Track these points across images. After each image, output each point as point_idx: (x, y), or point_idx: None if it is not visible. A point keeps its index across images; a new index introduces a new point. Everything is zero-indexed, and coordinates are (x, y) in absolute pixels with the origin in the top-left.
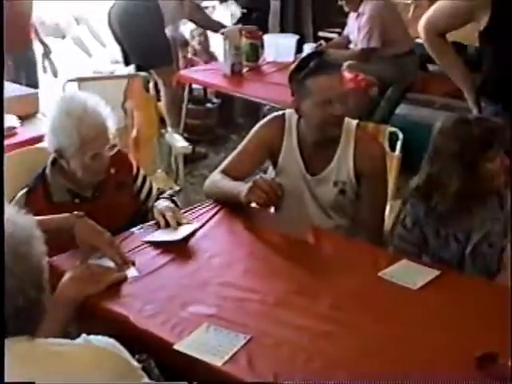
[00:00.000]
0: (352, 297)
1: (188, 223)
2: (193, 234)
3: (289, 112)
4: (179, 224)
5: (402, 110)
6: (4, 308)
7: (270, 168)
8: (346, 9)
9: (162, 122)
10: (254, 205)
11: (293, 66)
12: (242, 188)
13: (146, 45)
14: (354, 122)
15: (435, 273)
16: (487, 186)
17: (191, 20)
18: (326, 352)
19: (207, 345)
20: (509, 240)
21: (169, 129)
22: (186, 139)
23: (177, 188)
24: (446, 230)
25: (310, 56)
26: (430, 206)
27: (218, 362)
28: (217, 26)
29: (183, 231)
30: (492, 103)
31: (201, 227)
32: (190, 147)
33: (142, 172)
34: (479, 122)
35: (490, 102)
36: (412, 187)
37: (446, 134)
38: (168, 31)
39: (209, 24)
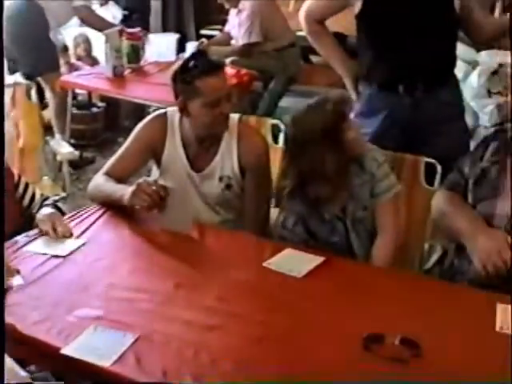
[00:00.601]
0: (237, 288)
1: (71, 234)
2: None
3: (170, 110)
4: (65, 236)
5: (285, 102)
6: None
7: (154, 167)
8: (227, 6)
9: (50, 129)
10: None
11: (176, 67)
12: (125, 191)
13: (31, 52)
14: (236, 116)
15: (320, 259)
16: (350, 155)
17: (85, 23)
18: (212, 344)
19: (94, 347)
20: None
21: (57, 136)
22: (74, 145)
23: (63, 194)
24: (329, 215)
25: (193, 56)
26: (309, 198)
27: (106, 362)
28: (110, 28)
29: (68, 246)
30: (367, 87)
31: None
32: (76, 153)
33: (23, 179)
34: (326, 99)
35: (366, 86)
36: (286, 188)
37: (300, 122)
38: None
39: (103, 26)
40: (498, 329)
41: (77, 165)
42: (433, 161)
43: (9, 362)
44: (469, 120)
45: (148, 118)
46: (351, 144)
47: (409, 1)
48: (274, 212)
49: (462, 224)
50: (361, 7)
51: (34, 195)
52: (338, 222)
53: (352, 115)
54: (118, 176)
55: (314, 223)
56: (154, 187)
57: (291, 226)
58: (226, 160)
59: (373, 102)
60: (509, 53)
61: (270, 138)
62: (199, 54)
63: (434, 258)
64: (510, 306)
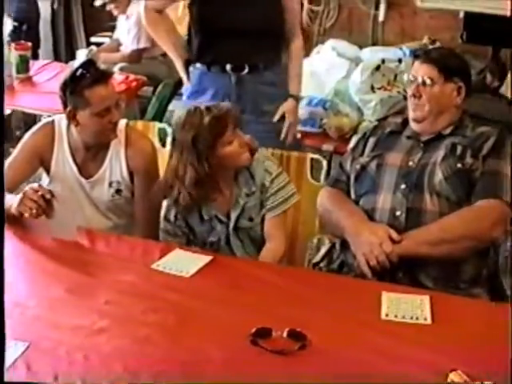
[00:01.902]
0: (126, 291)
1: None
2: None
3: (58, 118)
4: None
5: (174, 106)
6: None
7: (44, 175)
8: (115, 12)
9: None
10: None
11: (65, 76)
12: (12, 201)
13: None
14: (123, 121)
15: (208, 258)
16: (231, 165)
17: None
18: (101, 347)
19: None
20: None
21: None
22: None
23: None
24: (208, 215)
25: (81, 65)
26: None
27: None
28: None
29: None
30: (198, 68)
31: None
32: None
33: None
34: (209, 110)
35: (196, 68)
36: (160, 184)
37: (180, 124)
38: None
39: None
40: (383, 316)
41: None
42: (318, 157)
43: None
44: (354, 115)
45: (35, 126)
46: (231, 156)
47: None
48: None
49: (344, 220)
50: None
51: None
52: (219, 224)
53: (184, 97)
54: (8, 186)
55: (192, 220)
56: (39, 192)
57: (173, 218)
58: (115, 165)
59: (203, 81)
60: (391, 48)
61: (157, 142)
62: (87, 63)
63: (322, 251)
64: (394, 294)
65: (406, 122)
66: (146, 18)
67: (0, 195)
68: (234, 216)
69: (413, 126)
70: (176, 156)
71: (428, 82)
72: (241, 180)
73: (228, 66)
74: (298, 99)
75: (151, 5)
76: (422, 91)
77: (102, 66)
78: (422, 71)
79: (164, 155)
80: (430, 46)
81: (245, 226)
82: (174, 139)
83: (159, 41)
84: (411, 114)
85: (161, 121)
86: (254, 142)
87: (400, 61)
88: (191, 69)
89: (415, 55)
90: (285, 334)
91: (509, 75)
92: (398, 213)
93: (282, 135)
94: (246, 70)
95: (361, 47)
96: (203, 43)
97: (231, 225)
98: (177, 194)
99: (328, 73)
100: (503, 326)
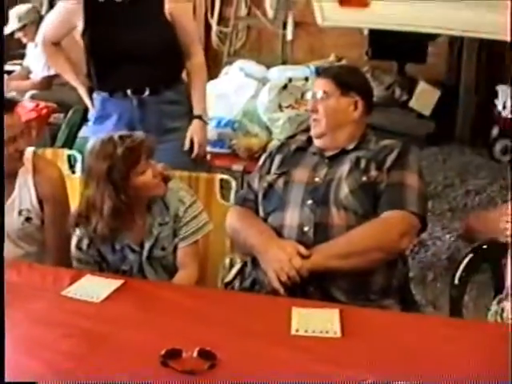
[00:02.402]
0: (38, 319)
1: None
2: None
3: None
4: None
5: (83, 132)
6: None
7: None
8: (24, 40)
9: None
10: None
11: None
12: None
13: None
14: (30, 149)
15: (118, 282)
16: (145, 195)
17: None
18: None
19: None
20: None
21: None
22: None
23: None
24: (120, 244)
25: None
26: (91, 227)
27: None
28: None
29: None
30: (99, 95)
31: None
32: None
33: None
34: (122, 140)
35: (98, 94)
36: (74, 214)
37: (94, 154)
38: None
39: None
40: (293, 332)
41: None
42: (228, 177)
43: None
44: (263, 134)
45: None
46: (145, 186)
47: (124, 20)
48: None
49: (253, 238)
50: (83, 27)
51: None
52: (131, 253)
53: (90, 123)
54: None
55: (104, 249)
56: None
57: (85, 247)
58: (24, 194)
59: (106, 106)
60: (298, 67)
61: (66, 169)
62: None
63: (234, 270)
64: (304, 310)
65: (311, 139)
66: (44, 51)
67: (0, 195)
68: (147, 246)
69: (315, 142)
70: (92, 186)
71: (323, 95)
72: (155, 210)
73: (129, 91)
74: (203, 119)
75: (48, 38)
76: (318, 105)
77: (13, 94)
78: (319, 86)
79: (73, 182)
80: (336, 64)
81: (158, 255)
82: (89, 169)
83: (61, 72)
84: (312, 131)
85: (71, 147)
86: (167, 171)
87: (307, 79)
88: (94, 95)
89: (317, 72)
90: (195, 354)
91: (417, 88)
92: (306, 228)
93: (193, 156)
94: (147, 93)
95: (268, 67)
96: (101, 70)
97: (144, 254)
98: (94, 225)
99: (236, 93)
100: (414, 336)
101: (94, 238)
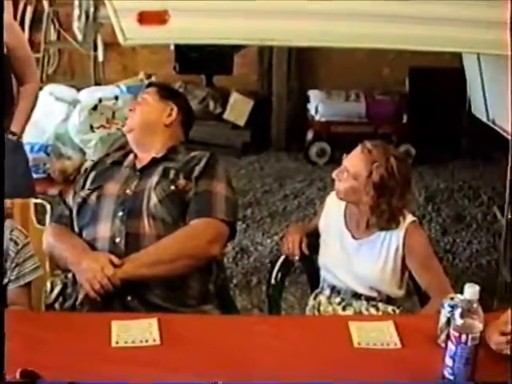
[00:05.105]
0: None
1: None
2: None
3: None
4: None
5: None
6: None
7: None
8: None
9: None
10: None
11: None
12: None
13: None
14: None
15: None
16: None
17: None
18: None
19: None
20: None
21: None
22: None
23: None
24: None
25: None
26: None
27: None
28: None
29: None
30: None
31: None
32: None
33: None
34: None
35: None
36: None
37: None
38: None
39: None
40: (114, 344)
41: None
42: (42, 201)
43: None
44: (76, 156)
45: None
46: None
47: None
48: None
49: (66, 252)
50: None
51: None
52: None
53: None
54: None
55: None
56: None
57: None
58: None
59: None
60: (108, 87)
61: None
62: None
63: (55, 292)
64: (123, 322)
65: (127, 154)
66: None
67: (0, 195)
68: None
69: (128, 137)
70: None
71: (143, 100)
72: None
73: None
74: (16, 135)
75: None
76: (136, 105)
77: None
78: (142, 93)
79: None
80: (146, 81)
81: None
82: None
83: None
84: (125, 127)
85: None
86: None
87: (117, 98)
88: None
89: (128, 91)
90: (18, 375)
91: (230, 100)
92: (117, 239)
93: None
94: None
95: (79, 89)
96: None
97: None
98: None
99: (47, 118)
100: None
101: None
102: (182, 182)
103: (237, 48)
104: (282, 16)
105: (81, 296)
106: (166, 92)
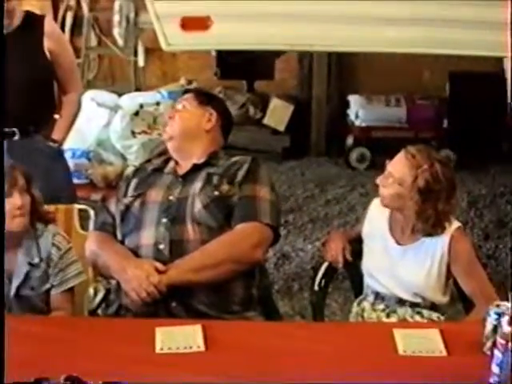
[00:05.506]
0: None
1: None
2: None
3: None
4: None
5: None
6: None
7: None
8: None
9: None
10: None
11: None
12: None
13: None
14: None
15: None
16: (7, 226)
17: None
18: None
19: None
20: None
21: None
22: None
23: None
24: None
25: None
26: None
27: None
28: None
29: None
30: None
31: None
32: None
33: None
34: None
35: None
36: None
37: None
38: None
39: None
40: (158, 350)
41: None
42: (85, 207)
43: None
44: (118, 162)
45: None
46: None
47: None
48: None
49: (110, 260)
50: None
51: None
52: None
53: None
54: None
55: None
56: None
57: None
58: None
59: None
60: (149, 93)
61: None
62: None
63: (98, 298)
64: (168, 328)
65: (168, 161)
66: None
67: (0, 194)
68: (15, 283)
69: (168, 146)
70: None
71: (182, 107)
72: (24, 246)
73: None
74: (57, 142)
75: None
76: (175, 113)
77: None
78: (180, 100)
79: None
80: (187, 87)
81: (26, 294)
82: None
83: None
84: (164, 135)
85: None
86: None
87: (158, 104)
88: None
89: (170, 97)
90: (62, 380)
91: (270, 105)
92: (161, 246)
93: None
94: (17, 137)
95: (121, 95)
96: None
97: (12, 291)
98: None
99: (88, 124)
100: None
101: None
102: (225, 187)
103: (278, 53)
104: (324, 21)
105: (124, 302)
106: (204, 97)
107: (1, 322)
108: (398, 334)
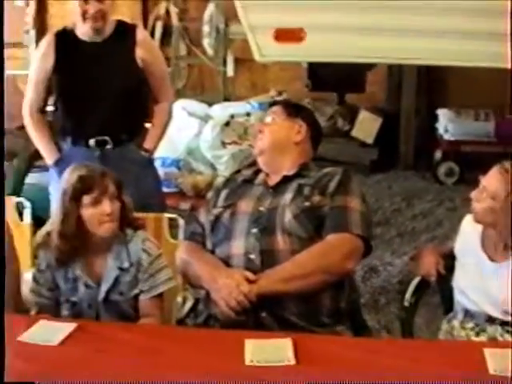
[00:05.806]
0: None
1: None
2: None
3: None
4: None
5: (31, 178)
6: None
7: None
8: None
9: None
10: None
11: None
12: None
13: None
14: None
15: (72, 326)
16: (91, 231)
17: None
18: None
19: None
20: None
21: None
22: None
23: None
24: (73, 273)
25: None
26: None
27: None
28: None
29: None
30: (64, 142)
31: None
32: None
33: None
34: (80, 167)
35: (62, 142)
36: (42, 234)
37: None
38: None
39: None
40: (248, 362)
41: None
42: (175, 216)
43: None
44: (208, 172)
45: None
46: (89, 221)
47: (90, 69)
48: None
49: (201, 270)
50: (53, 66)
51: None
52: (84, 287)
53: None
54: None
55: (58, 275)
56: None
57: (44, 267)
58: None
59: (68, 155)
60: (240, 103)
61: (16, 216)
62: None
63: (187, 307)
64: (258, 340)
65: (258, 172)
66: (29, 119)
67: (0, 195)
68: (104, 287)
69: (259, 160)
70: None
71: (270, 120)
72: (114, 251)
73: (91, 141)
74: (149, 151)
75: (34, 107)
76: (264, 127)
77: None
78: (269, 113)
79: (23, 229)
80: (277, 98)
81: (115, 299)
82: None
83: (36, 135)
84: (255, 149)
85: (19, 194)
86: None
87: (249, 114)
88: (60, 143)
89: (260, 108)
90: None
91: (358, 117)
92: (252, 256)
93: None
94: (110, 145)
95: (211, 105)
96: (65, 118)
97: (101, 295)
98: (51, 247)
99: (179, 132)
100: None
101: (49, 261)
102: (316, 198)
103: (369, 66)
104: (415, 35)
105: (214, 312)
106: (293, 109)
107: (1, 322)
108: (488, 354)
